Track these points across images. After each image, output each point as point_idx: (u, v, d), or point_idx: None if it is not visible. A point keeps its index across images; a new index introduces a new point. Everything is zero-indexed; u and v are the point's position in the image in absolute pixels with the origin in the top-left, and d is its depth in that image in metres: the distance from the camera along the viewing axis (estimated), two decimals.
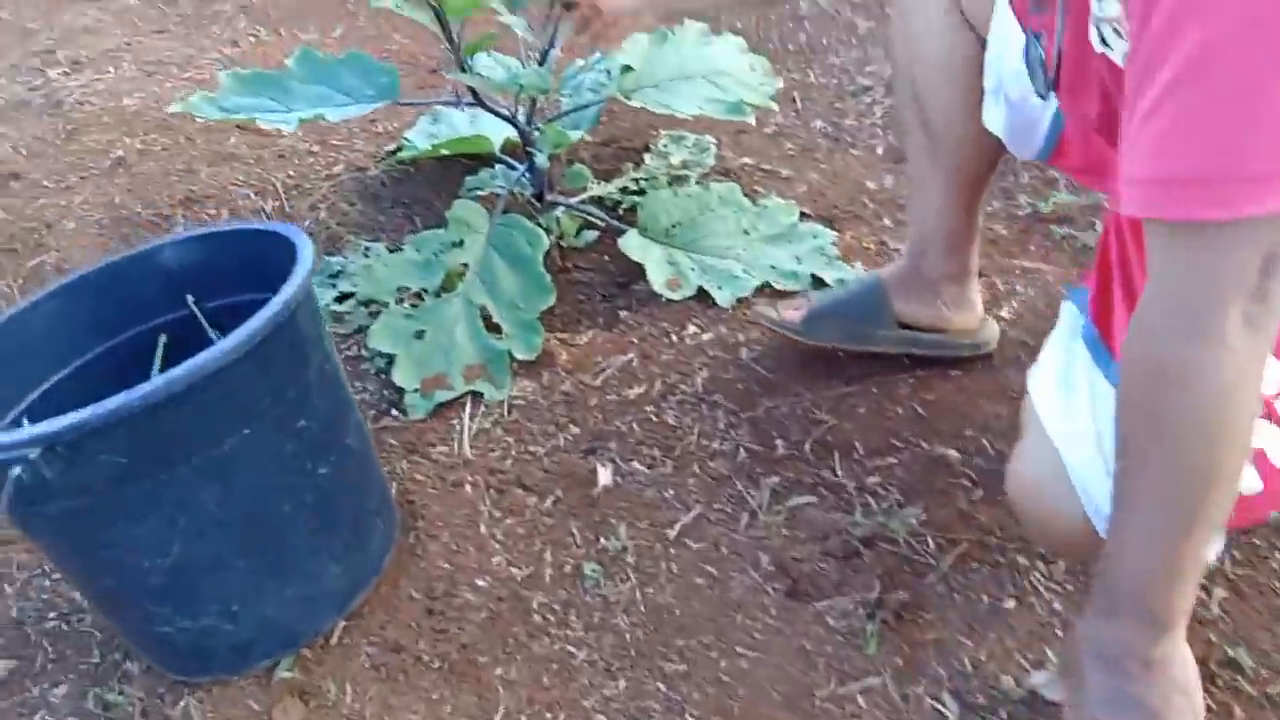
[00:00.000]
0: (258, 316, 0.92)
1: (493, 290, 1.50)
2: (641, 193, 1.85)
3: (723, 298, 1.53)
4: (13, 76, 2.34)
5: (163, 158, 1.98)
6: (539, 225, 1.67)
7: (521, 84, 1.43)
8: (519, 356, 1.45)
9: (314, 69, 1.59)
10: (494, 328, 1.47)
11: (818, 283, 1.54)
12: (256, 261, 1.09)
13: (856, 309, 1.34)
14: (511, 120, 1.59)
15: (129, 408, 0.85)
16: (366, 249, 1.76)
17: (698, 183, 1.80)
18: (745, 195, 1.72)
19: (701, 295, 1.55)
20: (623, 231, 1.61)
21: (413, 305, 1.49)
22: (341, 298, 1.64)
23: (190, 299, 1.14)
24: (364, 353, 1.50)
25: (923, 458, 1.26)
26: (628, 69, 1.68)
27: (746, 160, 1.91)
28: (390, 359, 1.43)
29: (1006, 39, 0.99)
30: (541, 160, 1.55)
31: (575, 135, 1.60)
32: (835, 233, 1.66)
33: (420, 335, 1.44)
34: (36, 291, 1.09)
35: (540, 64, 1.52)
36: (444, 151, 1.86)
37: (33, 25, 2.59)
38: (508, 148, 1.77)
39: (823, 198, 1.79)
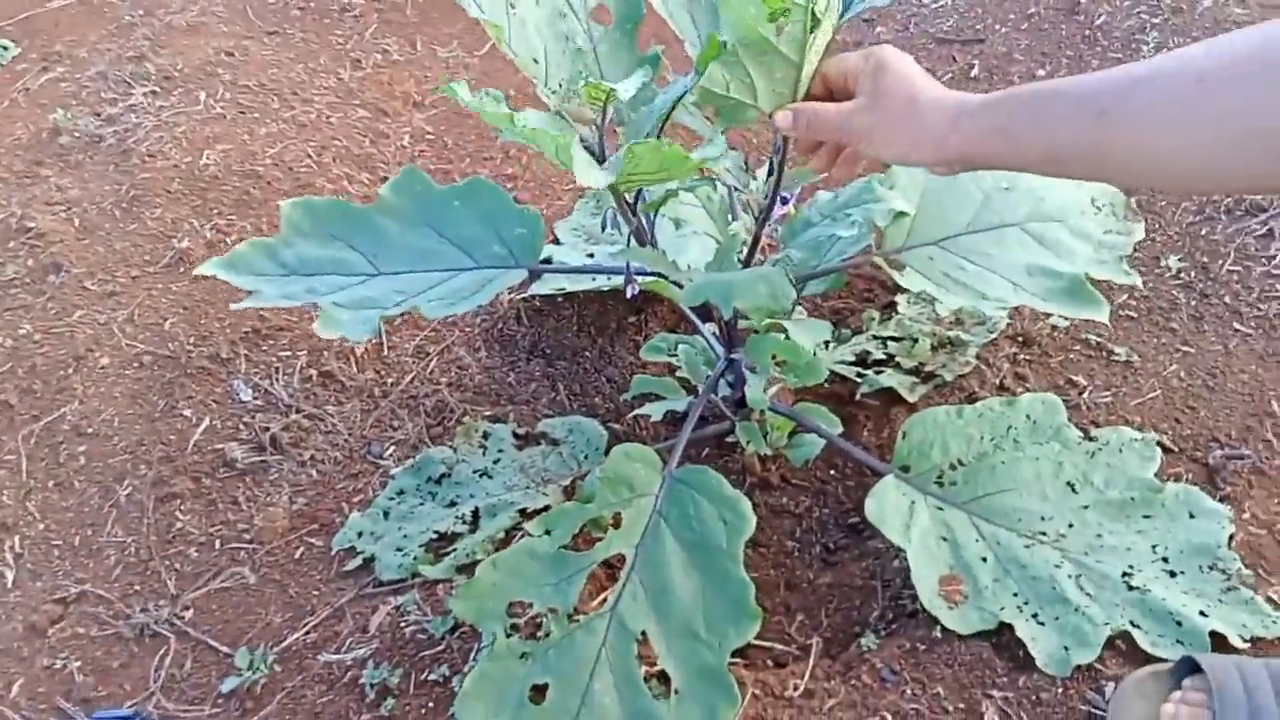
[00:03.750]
0: None
1: (660, 602, 0.92)
2: (891, 362, 1.23)
3: (1047, 656, 0.91)
4: (97, 94, 1.89)
5: None
6: (735, 441, 1.09)
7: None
8: None
9: (420, 202, 1.04)
10: (651, 663, 0.91)
11: (1215, 641, 0.90)
12: None
13: None
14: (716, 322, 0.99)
15: None
16: (485, 436, 1.22)
17: (1000, 387, 1.16)
18: (1066, 415, 1.08)
19: (1002, 630, 0.93)
20: (854, 459, 1.00)
21: (532, 635, 0.93)
22: (439, 543, 1.11)
23: None
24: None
25: None
26: (900, 215, 1.04)
27: (1056, 323, 1.24)
28: None
29: None
30: (755, 394, 0.94)
31: (819, 332, 0.98)
32: (1226, 505, 1.00)
33: (538, 696, 0.89)
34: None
35: (760, 220, 0.90)
36: (604, 289, 1.28)
37: (132, 17, 2.13)
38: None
39: (1190, 415, 1.12)
